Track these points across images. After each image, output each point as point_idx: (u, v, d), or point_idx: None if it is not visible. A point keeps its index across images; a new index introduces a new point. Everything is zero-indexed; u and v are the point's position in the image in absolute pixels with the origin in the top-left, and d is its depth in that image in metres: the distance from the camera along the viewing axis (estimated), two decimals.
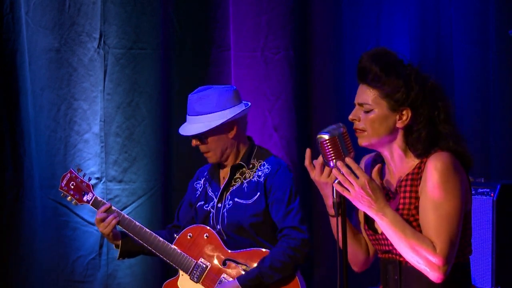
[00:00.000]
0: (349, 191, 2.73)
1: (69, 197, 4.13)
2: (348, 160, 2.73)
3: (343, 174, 2.72)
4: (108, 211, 4.03)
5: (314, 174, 2.84)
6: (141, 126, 5.02)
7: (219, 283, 3.92)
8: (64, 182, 4.15)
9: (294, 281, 3.91)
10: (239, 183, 3.99)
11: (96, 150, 4.97)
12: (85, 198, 4.11)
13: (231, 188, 4.00)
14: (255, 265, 3.90)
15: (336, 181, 2.75)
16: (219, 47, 5.27)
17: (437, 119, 2.82)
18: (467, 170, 2.85)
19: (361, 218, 3.03)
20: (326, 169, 2.81)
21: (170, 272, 4.92)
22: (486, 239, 4.55)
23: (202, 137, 3.93)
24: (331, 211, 2.87)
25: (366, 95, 2.82)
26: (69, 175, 4.16)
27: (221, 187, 4.03)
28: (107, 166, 4.98)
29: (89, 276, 4.98)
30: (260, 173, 3.97)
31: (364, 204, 2.73)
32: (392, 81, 2.79)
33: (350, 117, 2.86)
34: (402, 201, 2.84)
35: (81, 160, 4.95)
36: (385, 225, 2.74)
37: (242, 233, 3.95)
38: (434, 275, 2.74)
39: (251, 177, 3.98)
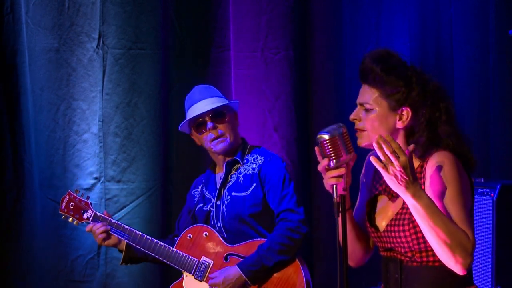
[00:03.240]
0: (387, 169, 2.65)
1: (70, 218, 4.17)
2: (388, 138, 2.65)
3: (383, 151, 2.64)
4: (106, 223, 4.07)
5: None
6: (140, 126, 5.02)
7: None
8: (64, 204, 4.19)
9: (295, 264, 3.93)
10: (235, 178, 4.04)
11: (95, 150, 4.97)
12: (85, 216, 4.14)
13: (227, 184, 4.05)
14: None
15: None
16: (219, 47, 5.27)
17: (438, 121, 2.82)
18: (470, 171, 2.85)
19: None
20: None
21: (169, 272, 4.91)
22: (486, 239, 4.55)
23: (221, 114, 4.01)
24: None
25: (367, 94, 2.84)
26: (67, 197, 4.19)
27: (218, 186, 4.07)
28: (106, 166, 4.98)
29: (88, 276, 4.97)
30: (254, 165, 4.03)
31: (402, 184, 2.65)
32: (393, 81, 2.80)
33: (351, 117, 2.88)
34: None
35: (80, 160, 4.95)
36: (420, 208, 2.67)
37: (242, 226, 3.99)
38: (463, 263, 2.69)
39: (246, 171, 4.03)
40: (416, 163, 2.85)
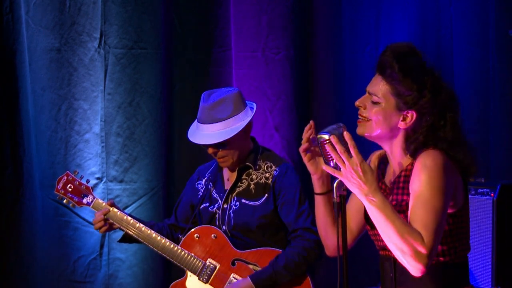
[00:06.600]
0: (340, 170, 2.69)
1: (66, 199, 4.07)
2: (346, 135, 2.69)
3: (336, 151, 2.68)
4: (107, 215, 4.01)
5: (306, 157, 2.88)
6: (142, 126, 5.03)
7: (229, 283, 3.91)
8: (61, 184, 4.09)
9: (306, 281, 3.92)
10: (246, 184, 3.99)
11: (96, 150, 4.97)
12: (84, 201, 4.06)
13: (237, 189, 4.00)
14: (265, 264, 3.90)
15: (336, 181, 2.75)
16: (220, 47, 5.28)
17: (441, 129, 2.82)
18: (468, 175, 2.85)
19: (355, 211, 3.03)
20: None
21: (171, 272, 4.92)
22: (486, 239, 4.56)
23: (224, 142, 3.90)
24: (317, 188, 2.91)
25: (378, 87, 2.84)
26: (65, 177, 4.10)
27: (227, 188, 4.03)
28: (108, 166, 4.98)
29: (90, 277, 4.98)
30: (267, 174, 3.97)
31: (354, 184, 2.67)
32: (408, 83, 2.80)
33: (357, 102, 2.88)
34: (395, 197, 2.85)
35: (82, 160, 4.96)
36: (374, 209, 2.69)
37: (248, 234, 3.96)
38: (416, 266, 2.68)
39: (258, 178, 3.98)
40: (408, 161, 2.86)
